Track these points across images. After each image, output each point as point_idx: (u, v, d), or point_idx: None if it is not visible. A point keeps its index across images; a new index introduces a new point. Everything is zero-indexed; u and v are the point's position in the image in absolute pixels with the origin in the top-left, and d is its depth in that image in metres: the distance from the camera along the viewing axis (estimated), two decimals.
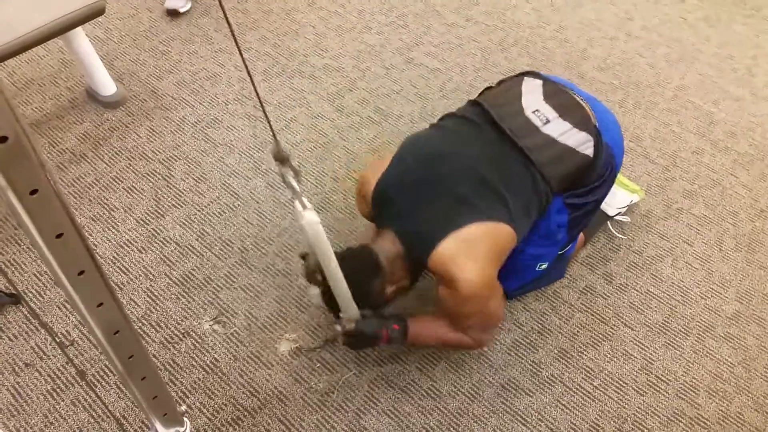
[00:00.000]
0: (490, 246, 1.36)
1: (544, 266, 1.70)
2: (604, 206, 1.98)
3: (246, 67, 0.69)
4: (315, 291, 1.41)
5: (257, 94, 0.78)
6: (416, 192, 1.43)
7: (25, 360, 1.61)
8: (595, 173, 1.51)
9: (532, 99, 1.51)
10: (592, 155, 1.47)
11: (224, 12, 0.53)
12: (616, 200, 2.00)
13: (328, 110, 2.30)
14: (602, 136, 1.50)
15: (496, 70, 2.52)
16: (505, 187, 1.40)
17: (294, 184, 1.04)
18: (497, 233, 1.37)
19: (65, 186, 1.97)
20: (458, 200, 1.38)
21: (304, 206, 1.10)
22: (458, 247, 1.33)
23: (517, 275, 1.74)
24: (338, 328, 1.40)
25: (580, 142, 1.46)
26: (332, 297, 1.35)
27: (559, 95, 1.53)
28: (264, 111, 0.79)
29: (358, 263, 1.39)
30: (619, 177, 2.05)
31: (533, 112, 1.47)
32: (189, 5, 2.59)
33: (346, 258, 1.35)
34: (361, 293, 1.37)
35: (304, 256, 1.40)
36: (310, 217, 1.12)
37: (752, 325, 1.85)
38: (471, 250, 1.33)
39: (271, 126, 0.86)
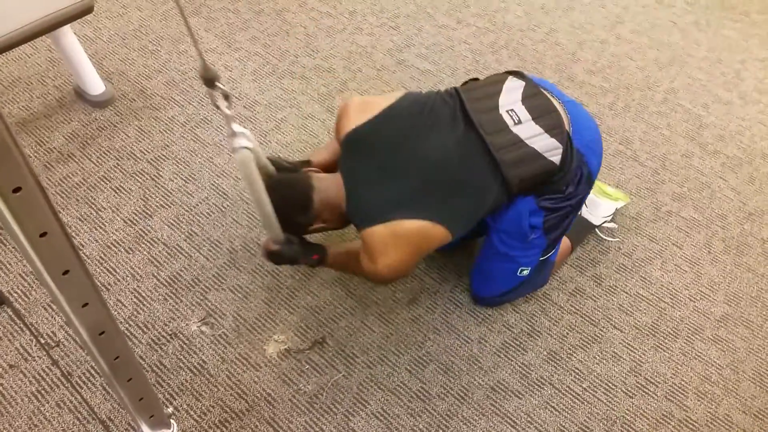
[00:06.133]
0: (419, 243, 1.47)
1: (526, 271, 1.69)
2: (588, 216, 1.98)
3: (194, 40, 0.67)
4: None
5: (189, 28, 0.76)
6: (382, 165, 1.49)
7: (10, 361, 1.59)
8: (564, 180, 1.52)
9: (510, 98, 1.52)
10: (558, 163, 1.48)
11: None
12: (599, 210, 1.99)
13: (318, 111, 2.29)
14: (573, 143, 1.51)
15: (487, 73, 2.52)
16: (459, 186, 1.46)
17: (224, 107, 1.03)
18: (431, 234, 1.46)
19: (52, 185, 1.95)
20: (411, 192, 1.46)
21: (232, 133, 1.14)
22: (392, 235, 1.44)
23: (499, 282, 1.74)
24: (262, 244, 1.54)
25: (549, 148, 1.47)
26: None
27: (537, 98, 1.53)
28: (191, 34, 0.75)
29: (288, 194, 1.50)
30: (602, 187, 2.04)
31: (507, 111, 1.49)
32: None
33: (276, 187, 1.45)
34: (286, 223, 1.48)
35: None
36: (238, 143, 1.19)
37: (740, 327, 1.86)
38: (400, 243, 1.44)
39: (197, 45, 0.83)
